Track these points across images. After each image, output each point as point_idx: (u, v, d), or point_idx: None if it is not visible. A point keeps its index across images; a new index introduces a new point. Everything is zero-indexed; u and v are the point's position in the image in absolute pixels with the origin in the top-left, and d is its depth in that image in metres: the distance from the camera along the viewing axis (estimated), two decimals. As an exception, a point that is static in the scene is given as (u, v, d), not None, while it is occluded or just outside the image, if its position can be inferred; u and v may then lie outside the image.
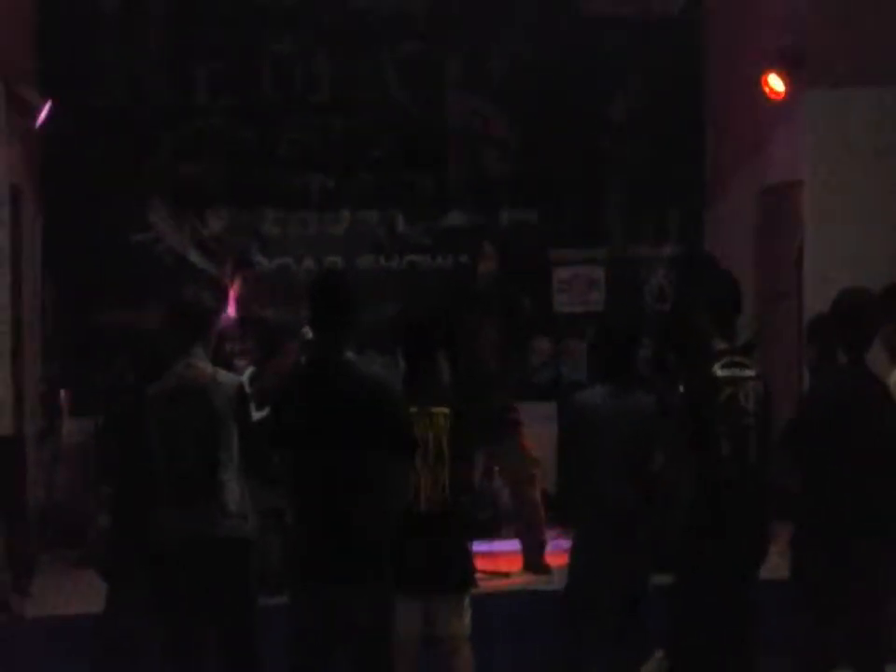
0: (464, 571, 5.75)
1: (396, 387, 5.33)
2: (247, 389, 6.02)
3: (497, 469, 8.70)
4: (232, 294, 8.61)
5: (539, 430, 8.46)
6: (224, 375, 5.76)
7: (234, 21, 9.96)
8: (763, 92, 8.92)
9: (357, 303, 5.30)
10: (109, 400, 7.04)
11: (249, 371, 7.60)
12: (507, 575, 8.00)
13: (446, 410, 5.60)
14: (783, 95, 8.85)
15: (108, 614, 6.28)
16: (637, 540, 5.87)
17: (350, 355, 5.22)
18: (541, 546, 8.16)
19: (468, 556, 5.82)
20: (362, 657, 5.20)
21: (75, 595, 7.40)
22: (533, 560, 8.11)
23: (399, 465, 5.28)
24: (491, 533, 8.79)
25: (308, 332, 7.17)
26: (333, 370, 5.18)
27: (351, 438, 5.08)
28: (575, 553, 6.11)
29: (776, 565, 5.87)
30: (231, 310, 8.50)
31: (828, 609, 5.57)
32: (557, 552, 7.91)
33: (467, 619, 5.73)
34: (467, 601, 5.73)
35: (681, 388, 5.81)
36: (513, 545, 8.38)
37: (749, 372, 5.69)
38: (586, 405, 5.98)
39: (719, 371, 5.61)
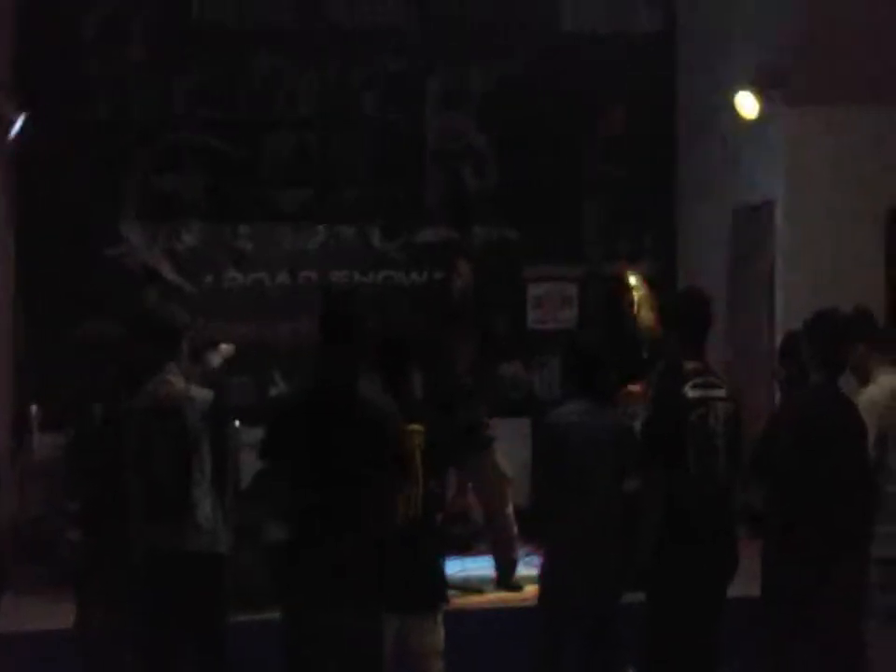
0: (437, 587, 5.75)
1: (395, 411, 5.33)
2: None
3: (469, 485, 8.70)
4: None
5: (511, 447, 8.47)
6: (197, 391, 5.77)
7: (213, 35, 9.96)
8: (737, 111, 8.97)
9: (365, 323, 5.32)
10: (79, 416, 7.02)
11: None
12: (479, 591, 8.00)
13: (420, 426, 5.61)
14: (757, 114, 8.89)
15: (80, 630, 6.25)
16: (608, 558, 5.88)
17: (361, 377, 5.24)
18: (513, 562, 8.17)
19: (440, 573, 5.82)
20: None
21: (46, 610, 7.36)
22: (505, 576, 8.12)
23: (393, 488, 5.31)
24: (464, 549, 8.78)
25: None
26: (339, 392, 5.20)
27: (350, 459, 5.11)
28: (547, 570, 6.12)
29: (745, 583, 5.90)
30: None
31: (797, 626, 5.60)
32: (530, 568, 7.92)
33: (440, 635, 5.73)
34: (440, 617, 5.74)
35: (651, 408, 5.85)
36: (486, 561, 8.38)
37: (720, 392, 5.72)
38: (559, 423, 5.99)
39: (689, 392, 5.64)
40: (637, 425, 6.30)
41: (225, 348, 7.56)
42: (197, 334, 8.06)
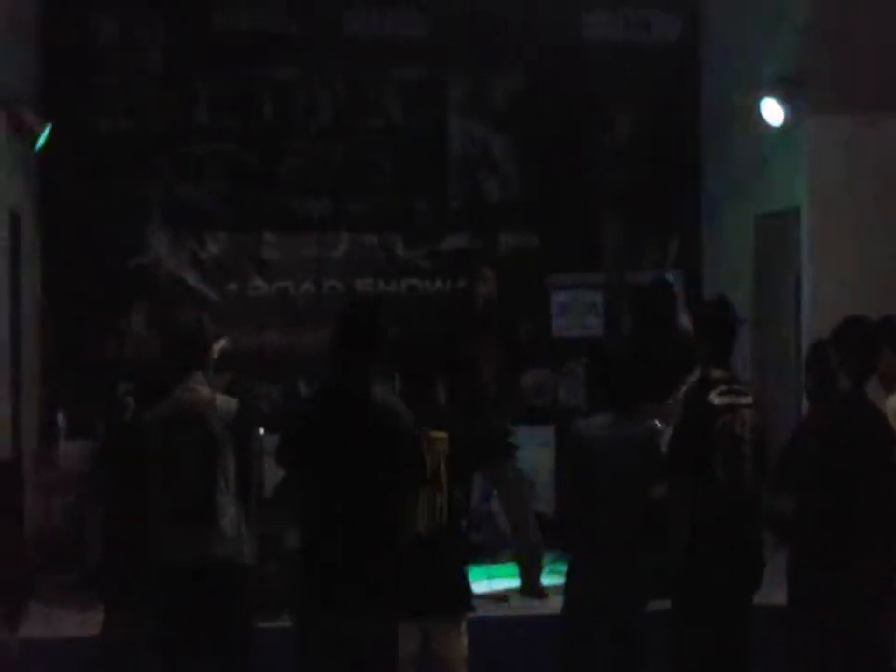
0: (461, 595, 5.75)
1: (412, 419, 5.33)
2: None
3: (494, 492, 8.70)
4: None
5: (536, 454, 8.46)
6: (223, 399, 5.78)
7: (235, 45, 10.00)
8: (761, 119, 8.95)
9: (386, 332, 5.33)
10: (107, 424, 7.05)
11: None
12: (504, 599, 7.99)
13: (444, 434, 5.61)
14: (782, 121, 8.87)
15: (105, 637, 6.28)
16: (634, 566, 5.87)
17: (377, 383, 5.24)
18: (538, 570, 8.16)
19: (465, 579, 5.82)
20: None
21: (71, 618, 7.39)
22: (530, 583, 8.11)
23: (410, 494, 5.32)
24: (488, 556, 8.78)
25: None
26: (356, 397, 5.20)
27: (367, 466, 5.11)
28: (572, 578, 6.11)
29: (772, 590, 5.88)
30: None
31: (824, 634, 5.57)
32: (554, 576, 7.90)
33: (463, 642, 5.72)
34: (464, 625, 5.73)
35: (678, 416, 5.84)
36: (510, 569, 8.37)
37: (746, 400, 5.71)
38: (587, 433, 5.98)
39: (715, 399, 5.64)
40: (664, 442, 6.29)
41: (218, 342, 7.52)
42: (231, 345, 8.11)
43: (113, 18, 9.85)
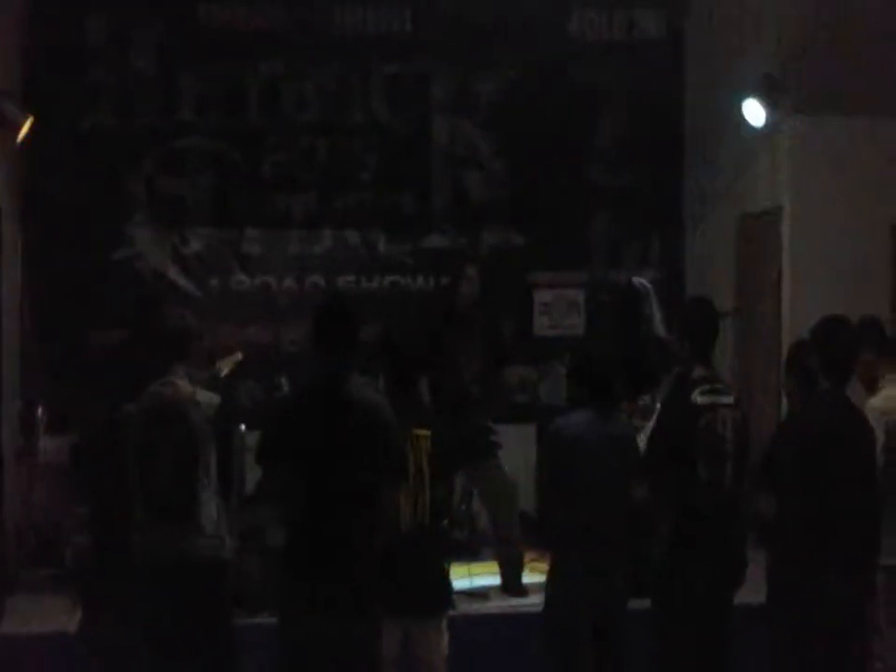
0: (442, 593, 5.75)
1: (392, 413, 5.32)
2: None
3: (475, 490, 8.70)
4: None
5: (517, 452, 8.46)
6: (203, 394, 5.76)
7: (219, 41, 9.97)
8: (744, 119, 8.97)
9: (361, 328, 5.31)
10: (87, 418, 7.03)
11: None
12: (485, 597, 8.00)
13: (426, 432, 5.61)
14: (764, 122, 8.89)
15: (83, 634, 6.26)
16: (615, 566, 5.87)
17: (356, 378, 5.23)
18: (519, 568, 8.16)
19: (446, 578, 5.82)
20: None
21: (51, 613, 7.36)
22: (511, 582, 8.11)
23: (392, 492, 5.31)
24: (469, 555, 8.77)
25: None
26: (333, 393, 5.19)
27: (347, 462, 5.09)
28: (552, 577, 6.11)
29: (754, 590, 5.89)
30: None
31: (804, 634, 5.59)
32: (535, 574, 7.91)
33: (444, 640, 5.73)
34: (444, 623, 5.73)
35: (657, 414, 5.85)
36: (491, 567, 8.37)
37: (727, 399, 5.73)
38: (567, 431, 5.97)
39: (698, 398, 5.65)
40: (642, 438, 6.30)
41: (234, 356, 7.58)
42: (213, 342, 8.13)
43: (98, 13, 9.80)
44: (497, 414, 8.44)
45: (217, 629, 5.70)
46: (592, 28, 10.45)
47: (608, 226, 10.49)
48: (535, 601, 7.18)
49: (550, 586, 6.11)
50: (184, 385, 5.70)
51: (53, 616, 7.22)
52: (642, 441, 6.24)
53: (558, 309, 10.42)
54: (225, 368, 7.43)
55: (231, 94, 10.06)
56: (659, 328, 8.44)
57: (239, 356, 6.69)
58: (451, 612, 5.80)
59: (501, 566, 8.23)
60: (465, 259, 8.98)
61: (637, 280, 8.96)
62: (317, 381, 5.29)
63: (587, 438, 5.87)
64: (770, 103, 8.78)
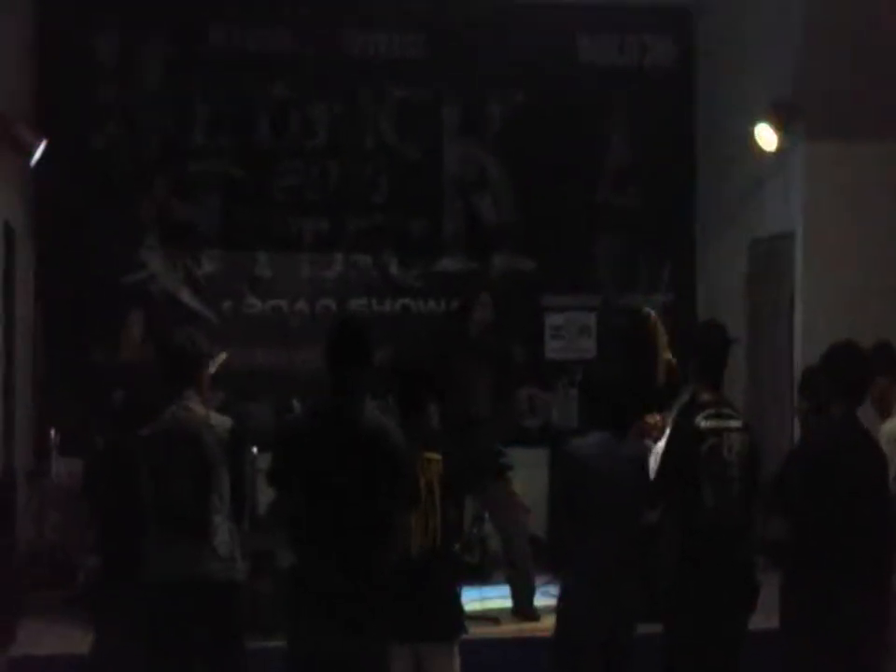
0: (453, 617, 5.73)
1: (402, 437, 5.32)
2: None
3: (486, 514, 8.69)
4: None
5: (528, 476, 8.46)
6: (217, 418, 5.77)
7: (231, 64, 10.03)
8: (756, 144, 8.99)
9: (373, 351, 5.32)
10: (99, 441, 7.04)
11: None
12: (496, 621, 7.98)
13: (437, 455, 5.60)
14: (775, 147, 8.91)
15: (94, 656, 6.25)
16: (625, 590, 5.86)
17: (368, 401, 5.24)
18: (531, 592, 8.15)
19: (457, 602, 5.81)
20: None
21: (62, 635, 7.36)
22: (522, 605, 8.10)
23: (401, 515, 5.31)
24: (481, 578, 8.77)
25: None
26: (344, 416, 5.20)
27: (357, 486, 5.10)
28: (564, 600, 6.09)
29: (767, 615, 5.88)
30: None
31: (817, 657, 5.57)
32: (547, 598, 7.90)
33: (456, 664, 5.71)
34: (456, 647, 5.72)
35: (665, 438, 5.85)
36: (503, 591, 8.36)
37: (735, 423, 5.73)
38: (579, 454, 5.97)
39: (702, 422, 5.65)
40: (652, 458, 6.30)
41: (219, 356, 7.54)
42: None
43: (111, 34, 9.89)
44: (509, 438, 8.44)
45: (229, 652, 5.69)
46: (603, 53, 10.50)
47: (619, 250, 10.51)
48: (546, 625, 7.16)
49: (561, 609, 6.09)
50: (198, 408, 5.71)
51: (65, 638, 7.23)
52: (652, 461, 6.23)
53: (569, 332, 10.44)
54: (212, 369, 7.36)
55: (242, 117, 10.12)
56: (664, 353, 8.42)
57: (224, 355, 6.67)
58: (462, 636, 5.78)
59: (512, 589, 8.22)
60: (480, 287, 8.97)
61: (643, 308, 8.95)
62: (329, 404, 5.29)
63: (601, 459, 5.86)
64: (781, 128, 8.79)
